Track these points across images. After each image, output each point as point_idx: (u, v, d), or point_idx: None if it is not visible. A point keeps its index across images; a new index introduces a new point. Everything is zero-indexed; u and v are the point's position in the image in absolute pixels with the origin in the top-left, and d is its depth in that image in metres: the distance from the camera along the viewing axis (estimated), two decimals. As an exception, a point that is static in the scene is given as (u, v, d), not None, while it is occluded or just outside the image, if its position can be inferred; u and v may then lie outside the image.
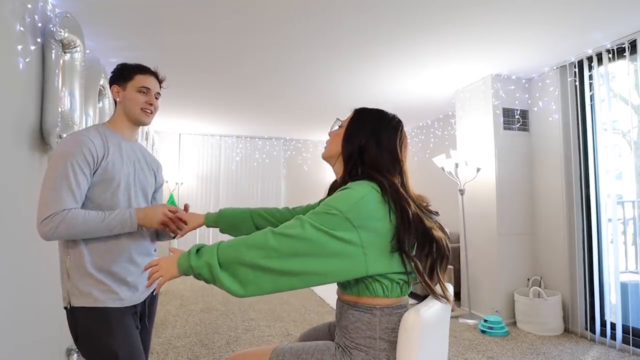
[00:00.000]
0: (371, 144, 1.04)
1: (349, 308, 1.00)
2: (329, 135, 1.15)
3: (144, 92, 1.35)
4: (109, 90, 1.38)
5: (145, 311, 1.40)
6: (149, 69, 1.39)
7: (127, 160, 1.33)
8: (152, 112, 1.38)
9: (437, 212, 1.06)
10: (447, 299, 1.01)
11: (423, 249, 0.97)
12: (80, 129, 1.29)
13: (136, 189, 1.35)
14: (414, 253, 0.97)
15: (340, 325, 1.02)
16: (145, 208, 1.27)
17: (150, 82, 1.36)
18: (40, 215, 1.14)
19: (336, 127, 1.14)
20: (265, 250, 0.86)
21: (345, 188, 0.96)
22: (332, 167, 1.14)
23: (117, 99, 1.36)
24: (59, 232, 1.13)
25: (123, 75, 1.35)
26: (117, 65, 1.38)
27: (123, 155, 1.32)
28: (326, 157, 1.15)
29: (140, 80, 1.35)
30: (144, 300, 1.38)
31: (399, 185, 1.00)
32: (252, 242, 0.88)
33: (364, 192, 0.93)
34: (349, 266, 0.89)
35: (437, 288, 1.00)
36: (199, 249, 0.92)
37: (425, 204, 1.04)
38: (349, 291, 1.00)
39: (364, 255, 0.89)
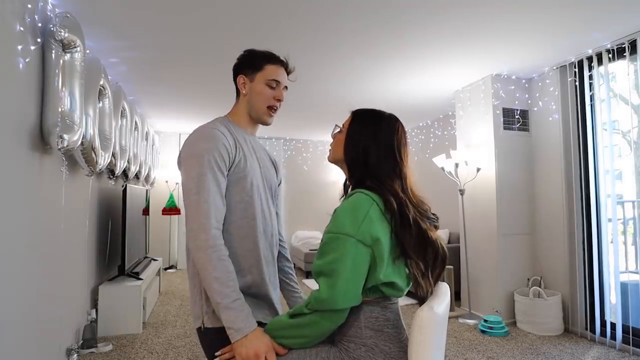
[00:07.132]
0: (372, 147, 1.03)
1: None
2: (332, 138, 1.14)
3: (272, 87, 1.19)
4: (236, 80, 1.22)
5: None
6: (279, 58, 1.23)
7: (254, 156, 1.20)
8: (276, 111, 1.23)
9: (436, 217, 1.06)
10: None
11: (421, 252, 0.98)
12: (205, 123, 1.14)
13: (265, 189, 1.21)
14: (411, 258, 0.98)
15: None
16: (257, 337, 0.98)
17: (281, 74, 1.21)
18: (193, 226, 1.02)
19: (337, 131, 1.13)
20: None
21: (345, 205, 0.98)
22: (341, 168, 1.14)
23: (243, 92, 1.20)
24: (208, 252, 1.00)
25: (253, 64, 1.19)
26: (244, 51, 1.23)
27: (251, 150, 1.19)
28: (332, 161, 1.15)
29: (270, 71, 1.19)
30: None
31: (400, 190, 1.01)
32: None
33: (366, 208, 0.95)
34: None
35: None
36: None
37: (425, 209, 1.05)
38: None
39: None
